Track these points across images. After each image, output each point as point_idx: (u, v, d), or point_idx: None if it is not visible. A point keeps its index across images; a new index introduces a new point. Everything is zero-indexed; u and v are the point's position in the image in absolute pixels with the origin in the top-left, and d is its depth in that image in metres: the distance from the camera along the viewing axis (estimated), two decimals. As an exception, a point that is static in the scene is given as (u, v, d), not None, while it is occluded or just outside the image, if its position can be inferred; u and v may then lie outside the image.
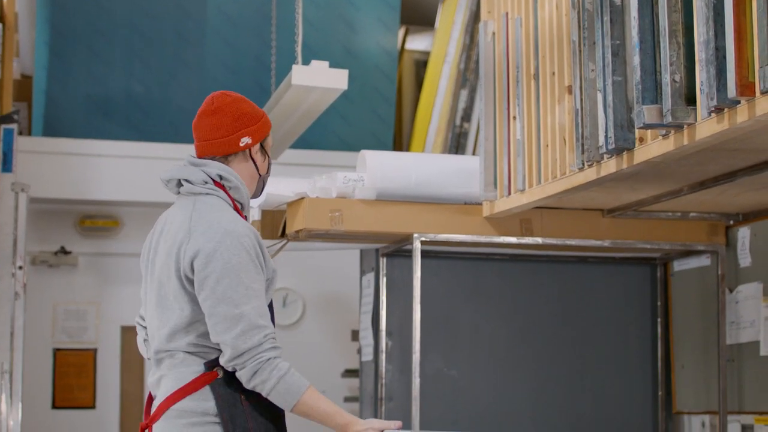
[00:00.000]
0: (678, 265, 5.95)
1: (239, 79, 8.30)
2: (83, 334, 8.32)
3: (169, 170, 3.71)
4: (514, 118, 4.97)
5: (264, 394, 3.46)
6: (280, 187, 5.33)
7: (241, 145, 3.66)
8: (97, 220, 8.35)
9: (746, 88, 3.29)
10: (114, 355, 8.34)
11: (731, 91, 3.32)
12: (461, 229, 5.35)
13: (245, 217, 3.72)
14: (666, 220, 5.54)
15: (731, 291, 5.57)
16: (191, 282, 3.52)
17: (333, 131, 8.59)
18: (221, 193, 3.63)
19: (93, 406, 8.28)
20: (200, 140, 3.69)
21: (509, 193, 5.05)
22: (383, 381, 5.63)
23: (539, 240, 5.39)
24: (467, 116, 8.02)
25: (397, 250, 5.57)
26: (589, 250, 5.74)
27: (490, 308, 5.79)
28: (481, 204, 5.34)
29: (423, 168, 5.36)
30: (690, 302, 5.86)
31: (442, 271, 5.73)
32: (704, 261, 5.76)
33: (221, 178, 3.64)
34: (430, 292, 5.63)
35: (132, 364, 8.35)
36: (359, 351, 6.03)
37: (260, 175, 3.75)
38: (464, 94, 8.05)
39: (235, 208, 3.65)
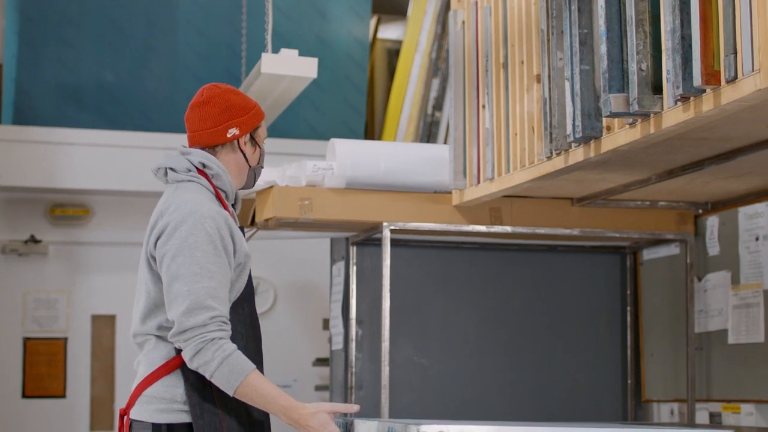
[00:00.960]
0: (647, 254, 5.97)
1: (210, 67, 8.28)
2: (54, 323, 8.28)
3: (158, 160, 3.76)
4: (484, 106, 4.97)
5: (207, 375, 3.45)
6: (250, 176, 5.31)
7: (228, 136, 3.72)
8: (67, 209, 8.31)
9: (711, 77, 3.30)
10: (85, 344, 8.30)
11: (697, 79, 3.33)
12: (431, 218, 5.36)
13: (230, 206, 3.73)
14: (635, 209, 5.55)
15: (700, 279, 5.59)
16: (156, 261, 3.57)
17: (304, 120, 8.57)
18: (203, 180, 3.66)
19: (63, 395, 8.25)
20: (189, 131, 3.75)
21: (478, 182, 5.05)
22: (353, 369, 5.63)
23: (508, 229, 5.40)
24: (439, 105, 8.01)
25: (367, 238, 5.57)
26: (558, 238, 5.76)
27: (460, 297, 5.80)
28: (450, 193, 5.35)
29: (392, 156, 5.36)
30: (659, 291, 5.89)
31: (412, 259, 5.74)
32: (673, 250, 5.79)
33: (204, 166, 3.67)
34: (400, 280, 5.64)
35: (103, 353, 8.32)
36: (330, 340, 6.03)
37: (250, 166, 3.78)
38: (436, 83, 8.05)
39: (218, 196, 3.67)
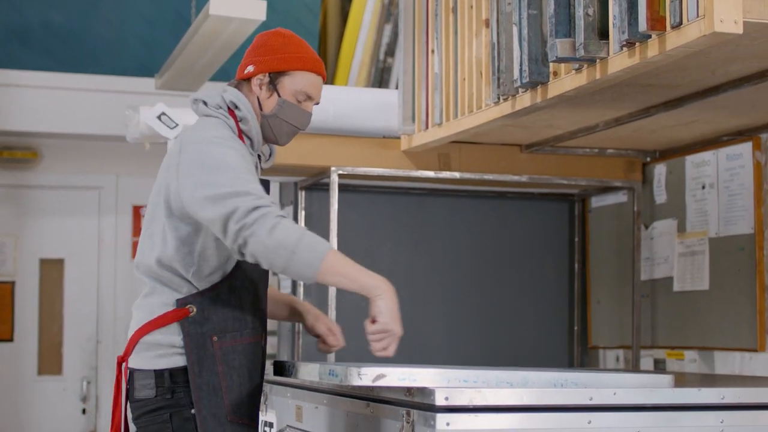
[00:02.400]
0: (595, 202, 6.00)
1: (160, 8, 8.18)
2: (1, 266, 8.22)
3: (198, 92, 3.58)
4: (433, 51, 4.95)
5: (288, 252, 3.11)
6: (198, 119, 5.27)
7: (245, 72, 3.52)
8: (15, 152, 8.23)
9: (657, 22, 3.29)
10: (32, 287, 8.26)
11: (642, 25, 3.32)
12: (379, 163, 5.34)
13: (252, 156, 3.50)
14: (584, 156, 5.56)
15: (647, 227, 5.62)
16: (168, 202, 3.36)
17: (255, 64, 8.49)
18: (230, 121, 3.45)
19: (11, 339, 8.21)
20: None
21: (427, 127, 5.04)
22: (301, 314, 5.62)
23: (457, 174, 5.39)
24: (391, 51, 7.98)
25: (316, 183, 5.55)
26: (507, 185, 5.76)
27: (407, 242, 5.80)
28: (399, 138, 5.33)
29: (341, 101, 5.33)
30: (607, 238, 5.91)
31: (360, 205, 5.73)
32: (621, 197, 5.81)
33: (235, 106, 3.47)
34: (348, 225, 5.62)
35: (50, 297, 8.28)
36: (278, 285, 6.02)
37: (262, 112, 3.52)
38: (388, 28, 8.01)
39: (241, 140, 3.44)
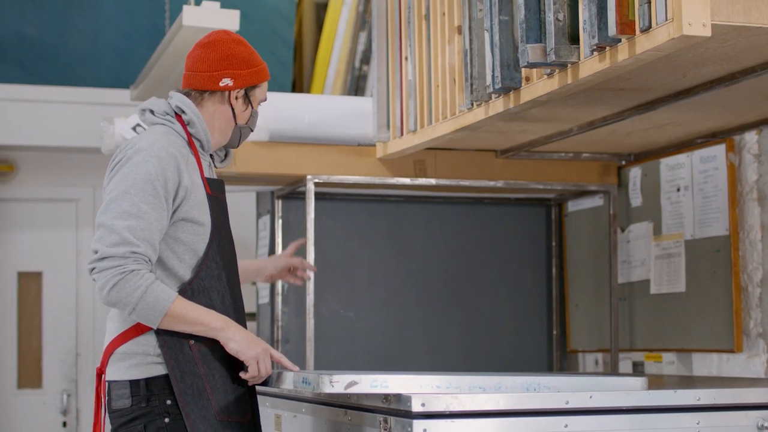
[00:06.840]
0: (572, 206, 6.01)
1: (134, 20, 8.16)
2: (-22, 280, 8.19)
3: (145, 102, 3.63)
4: (406, 58, 4.96)
5: (128, 309, 3.28)
6: (173, 130, 5.27)
7: (220, 84, 3.54)
8: (-9, 165, 8.20)
9: (626, 27, 3.31)
10: (11, 301, 8.22)
11: (612, 29, 3.34)
12: (355, 171, 5.34)
13: (204, 157, 3.55)
14: (559, 160, 5.58)
15: (623, 230, 5.64)
16: None
17: (231, 74, 8.48)
18: (177, 125, 3.51)
19: (-10, 354, 8.18)
20: (186, 70, 3.59)
21: (402, 134, 5.05)
22: (279, 323, 5.63)
23: (432, 181, 5.40)
24: (366, 59, 7.98)
25: (292, 192, 5.55)
26: (482, 191, 5.77)
27: (385, 250, 5.80)
28: (374, 145, 5.34)
29: (316, 109, 5.34)
30: (584, 242, 5.93)
31: (337, 213, 5.73)
32: (597, 201, 5.83)
33: (182, 111, 3.51)
34: (325, 234, 5.63)
35: (29, 311, 8.24)
36: (257, 294, 6.02)
37: (236, 123, 3.59)
38: (363, 36, 8.01)
39: (190, 143, 3.51)
